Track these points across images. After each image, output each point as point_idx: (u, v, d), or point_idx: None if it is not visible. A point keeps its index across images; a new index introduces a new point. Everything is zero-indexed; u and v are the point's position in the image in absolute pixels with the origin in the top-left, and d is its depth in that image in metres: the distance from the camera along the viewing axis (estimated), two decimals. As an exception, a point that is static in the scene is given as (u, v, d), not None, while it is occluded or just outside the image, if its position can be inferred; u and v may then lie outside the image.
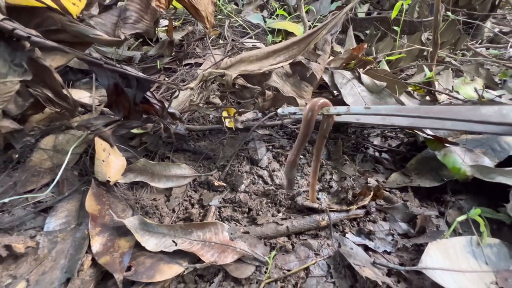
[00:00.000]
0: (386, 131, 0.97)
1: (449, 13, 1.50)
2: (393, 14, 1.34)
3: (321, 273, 0.56)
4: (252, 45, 1.40)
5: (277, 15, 1.80)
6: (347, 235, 0.63)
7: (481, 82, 1.22)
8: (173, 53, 1.30)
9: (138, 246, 0.55)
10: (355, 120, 0.40)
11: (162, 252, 0.54)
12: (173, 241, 0.56)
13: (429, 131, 0.79)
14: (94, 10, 0.87)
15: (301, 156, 0.85)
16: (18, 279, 0.50)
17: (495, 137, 0.75)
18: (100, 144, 0.68)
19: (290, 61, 0.72)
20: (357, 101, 0.85)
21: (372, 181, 0.75)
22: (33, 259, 0.53)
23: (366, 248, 0.61)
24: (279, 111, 0.49)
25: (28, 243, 0.55)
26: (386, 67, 1.21)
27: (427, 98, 1.09)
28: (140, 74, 0.66)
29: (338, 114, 0.41)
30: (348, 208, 0.66)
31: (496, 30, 1.92)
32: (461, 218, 0.60)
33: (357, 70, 0.93)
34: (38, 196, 0.65)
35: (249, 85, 0.72)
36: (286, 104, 0.75)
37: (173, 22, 1.42)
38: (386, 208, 0.68)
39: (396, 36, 1.39)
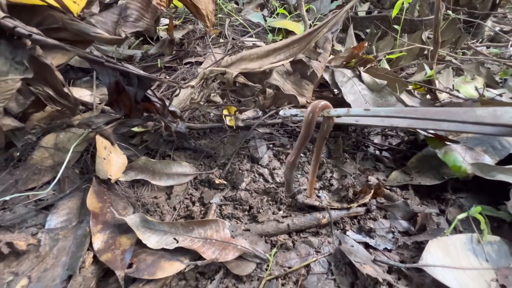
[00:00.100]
0: (386, 130, 0.97)
1: (449, 12, 1.50)
2: (394, 12, 1.34)
3: (322, 270, 0.56)
4: (253, 44, 1.40)
5: (277, 14, 1.80)
6: (347, 233, 0.63)
7: (482, 81, 1.22)
8: (174, 52, 1.30)
9: (139, 244, 0.55)
10: (355, 121, 0.40)
11: (163, 249, 0.55)
12: (174, 239, 0.56)
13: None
14: (95, 9, 0.87)
15: (302, 155, 0.85)
16: (19, 276, 0.50)
17: (495, 135, 0.75)
18: (101, 142, 0.68)
19: (291, 59, 0.72)
20: (357, 100, 0.85)
21: (372, 179, 0.75)
22: (34, 257, 0.54)
23: (366, 246, 0.61)
24: (281, 113, 0.50)
25: (29, 240, 0.55)
26: (387, 66, 1.21)
27: (428, 96, 1.09)
28: (141, 72, 0.67)
29: (338, 116, 0.41)
30: (349, 206, 0.66)
31: (497, 29, 1.92)
32: (462, 216, 0.61)
33: (358, 69, 0.93)
34: (40, 194, 0.65)
35: (249, 83, 0.72)
36: (287, 102, 0.75)
37: (174, 21, 1.42)
38: (386, 206, 0.68)
39: (397, 35, 1.39)
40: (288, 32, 1.54)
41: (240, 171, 0.78)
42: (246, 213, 0.67)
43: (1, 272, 0.51)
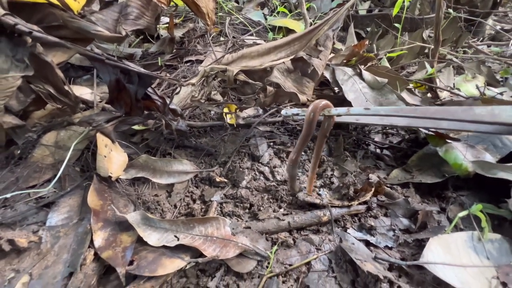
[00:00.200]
0: (387, 128, 0.97)
1: (450, 10, 1.50)
2: (394, 11, 1.33)
3: (323, 267, 0.56)
4: (253, 42, 1.40)
5: (278, 13, 1.80)
6: (348, 231, 0.63)
7: (483, 80, 1.22)
8: (174, 50, 1.30)
9: (140, 241, 0.55)
10: (355, 120, 0.41)
11: (164, 246, 0.55)
12: (175, 236, 0.56)
13: (430, 128, 0.79)
14: (95, 6, 0.87)
15: (302, 153, 0.85)
16: (21, 273, 0.50)
17: (496, 133, 0.75)
18: (102, 140, 0.68)
19: (292, 57, 0.72)
20: (358, 98, 0.85)
21: (373, 177, 0.75)
22: (36, 254, 0.54)
23: (367, 243, 0.61)
24: (283, 112, 0.50)
25: (30, 237, 0.55)
26: (387, 64, 1.21)
27: (428, 95, 1.09)
28: (142, 69, 0.66)
29: (338, 115, 0.42)
30: (350, 204, 0.66)
31: (498, 27, 1.91)
32: (463, 213, 0.61)
33: (359, 67, 0.93)
34: (40, 191, 0.65)
35: (250, 81, 0.72)
36: (288, 100, 0.75)
37: (174, 19, 1.42)
38: (387, 203, 0.68)
39: (397, 34, 1.38)
40: (288, 31, 1.54)
41: (241, 169, 0.78)
42: (247, 211, 0.67)
43: (2, 269, 0.51)
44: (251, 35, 1.52)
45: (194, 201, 0.70)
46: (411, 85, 1.07)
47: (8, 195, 0.61)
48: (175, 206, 0.68)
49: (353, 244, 0.60)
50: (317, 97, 1.06)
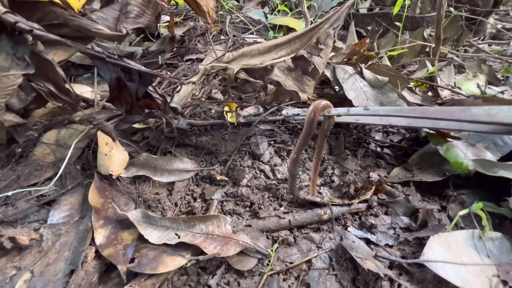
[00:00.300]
0: (387, 127, 0.97)
1: (451, 9, 1.49)
2: (395, 9, 1.33)
3: (323, 265, 0.56)
4: (254, 41, 1.40)
5: (278, 11, 1.79)
6: (349, 229, 0.63)
7: (484, 78, 1.22)
8: (175, 48, 1.30)
9: (141, 239, 0.56)
10: (355, 120, 0.41)
11: (165, 244, 0.55)
12: (176, 234, 0.56)
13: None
14: (96, 5, 0.87)
15: (303, 152, 0.85)
16: (22, 270, 0.51)
17: (497, 132, 0.74)
18: (102, 138, 0.68)
19: (292, 55, 0.72)
20: (358, 96, 0.85)
21: (374, 176, 0.75)
22: (37, 251, 0.54)
23: (368, 242, 0.61)
24: (284, 112, 0.51)
25: (32, 235, 0.55)
26: (388, 63, 1.21)
27: (429, 94, 1.08)
28: (142, 68, 0.66)
29: (338, 115, 0.42)
30: (350, 202, 0.66)
31: (499, 26, 1.91)
32: (463, 212, 0.61)
33: (359, 65, 0.93)
34: (41, 189, 0.65)
35: (251, 79, 0.71)
36: (288, 98, 0.75)
37: (175, 18, 1.42)
38: (388, 202, 0.68)
39: (398, 32, 1.38)
40: (289, 30, 1.54)
41: (241, 167, 0.78)
42: (248, 209, 0.67)
43: (3, 267, 0.51)
44: (252, 33, 1.52)
45: (194, 199, 0.70)
46: (411, 84, 1.06)
47: (10, 193, 0.61)
48: (176, 205, 0.68)
49: (354, 242, 0.60)
50: (317, 95, 1.05)
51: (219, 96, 1.00)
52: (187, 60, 1.24)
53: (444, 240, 0.56)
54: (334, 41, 0.89)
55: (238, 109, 0.87)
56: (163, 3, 0.86)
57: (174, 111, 0.79)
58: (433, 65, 1.07)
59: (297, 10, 1.77)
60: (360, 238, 0.61)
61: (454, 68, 1.27)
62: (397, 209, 0.67)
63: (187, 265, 0.53)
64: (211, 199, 0.69)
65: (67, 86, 0.71)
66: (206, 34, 1.39)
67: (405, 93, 0.98)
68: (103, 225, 0.57)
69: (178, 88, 0.80)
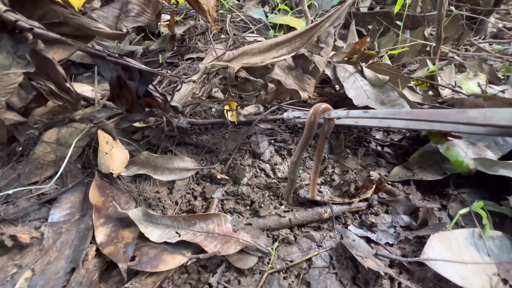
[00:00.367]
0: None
1: (452, 8, 1.49)
2: (396, 8, 1.33)
3: (324, 264, 0.56)
4: (254, 40, 1.40)
5: (278, 10, 1.79)
6: (349, 227, 0.63)
7: (484, 78, 1.22)
8: (175, 47, 1.30)
9: (141, 237, 0.56)
10: (354, 123, 0.42)
11: (165, 242, 0.55)
12: (177, 232, 0.56)
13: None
14: (96, 3, 0.86)
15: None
16: (23, 268, 0.51)
17: (498, 131, 0.74)
18: (103, 137, 0.68)
19: (293, 53, 0.72)
20: (359, 95, 0.85)
21: (374, 174, 0.75)
22: (38, 249, 0.54)
23: (368, 240, 0.61)
24: (285, 115, 0.52)
25: (33, 233, 0.55)
26: (389, 62, 1.21)
27: (430, 93, 1.08)
28: (143, 66, 0.66)
29: (338, 118, 0.43)
30: (350, 201, 0.66)
31: (500, 25, 1.90)
32: (464, 210, 0.61)
33: (360, 64, 0.93)
34: (42, 188, 0.65)
35: (251, 78, 0.71)
36: (289, 97, 0.75)
37: (175, 17, 1.42)
38: (388, 201, 0.68)
39: (399, 31, 1.38)
40: (289, 29, 1.54)
41: (242, 166, 0.78)
42: (248, 207, 0.67)
43: (5, 265, 0.51)
44: (252, 32, 1.51)
45: (195, 198, 0.70)
46: (412, 83, 1.06)
47: (10, 192, 0.61)
48: (176, 203, 0.68)
49: (354, 241, 0.60)
50: (318, 94, 1.05)
51: (219, 95, 1.00)
52: (187, 59, 1.24)
53: (445, 239, 0.56)
54: (335, 40, 0.89)
55: (239, 107, 0.87)
56: (164, 1, 0.86)
57: (175, 110, 0.79)
58: (434, 64, 1.06)
59: (297, 9, 1.77)
60: (361, 237, 0.61)
61: (454, 67, 1.26)
62: (397, 208, 0.67)
63: (188, 264, 0.54)
64: (211, 197, 0.69)
65: (67, 84, 0.71)
66: (207, 33, 1.39)
67: (406, 92, 0.98)
68: (103, 224, 0.57)
69: (178, 87, 0.80)
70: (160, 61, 1.18)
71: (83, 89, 0.93)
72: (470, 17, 1.68)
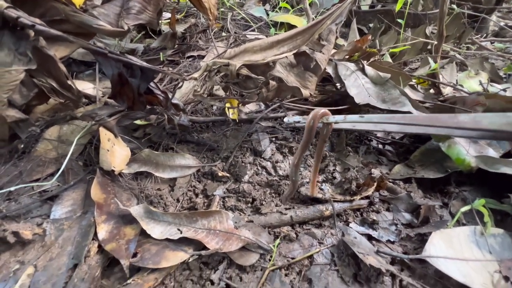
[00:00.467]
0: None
1: (454, 6, 1.48)
2: (397, 6, 1.32)
3: (325, 261, 0.56)
4: (255, 38, 1.40)
5: (280, 8, 1.79)
6: (350, 225, 0.63)
7: (486, 76, 1.21)
8: (176, 45, 1.30)
9: (143, 234, 0.56)
10: (352, 127, 0.44)
11: (167, 239, 0.55)
12: (178, 229, 0.56)
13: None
14: (97, 0, 0.86)
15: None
16: (25, 264, 0.51)
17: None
18: (104, 134, 0.68)
19: (294, 51, 0.71)
20: (361, 93, 0.85)
21: (375, 172, 0.75)
22: (40, 246, 0.54)
23: (369, 238, 0.61)
24: (285, 120, 0.55)
25: (35, 230, 0.56)
26: (390, 60, 1.21)
27: (431, 91, 1.08)
28: (144, 63, 0.66)
29: (336, 122, 0.45)
30: (352, 199, 0.66)
31: (502, 24, 1.89)
32: (465, 208, 0.61)
33: (361, 62, 0.92)
34: (44, 185, 0.65)
35: (253, 75, 0.71)
36: (290, 95, 0.75)
37: (176, 15, 1.42)
38: (389, 198, 0.68)
39: (400, 29, 1.37)
40: (290, 27, 1.53)
41: (243, 164, 0.78)
42: (249, 205, 0.68)
43: (7, 261, 0.52)
44: (253, 31, 1.51)
45: (196, 195, 0.70)
46: (413, 81, 1.06)
47: (12, 188, 0.61)
48: (178, 200, 0.68)
49: (355, 238, 0.60)
50: (319, 92, 1.05)
51: (220, 93, 1.00)
52: (188, 57, 1.23)
53: (446, 236, 0.56)
54: (337, 37, 0.88)
55: (240, 105, 0.87)
56: (165, -1, 0.86)
57: (176, 107, 0.79)
58: (435, 61, 1.06)
59: (298, 7, 1.76)
60: (362, 234, 0.61)
61: (456, 66, 1.26)
62: (398, 206, 0.67)
63: (190, 260, 0.54)
64: (213, 195, 0.69)
65: (69, 82, 0.71)
66: (208, 31, 1.39)
67: (407, 90, 0.97)
68: (105, 220, 0.58)
69: (179, 84, 0.80)
70: (161, 59, 1.17)
71: (84, 86, 0.93)
72: (471, 15, 1.67)
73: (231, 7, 1.65)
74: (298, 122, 0.54)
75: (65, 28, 0.74)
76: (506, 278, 0.50)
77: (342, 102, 0.92)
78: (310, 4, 1.68)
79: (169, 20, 1.29)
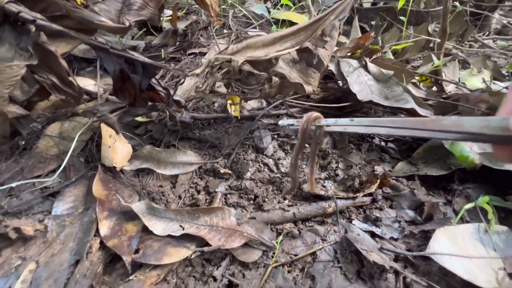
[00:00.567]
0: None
1: (456, 3, 1.48)
2: (400, 4, 1.32)
3: (328, 258, 0.56)
4: (257, 35, 1.39)
5: (281, 5, 1.78)
6: (353, 222, 0.63)
7: (488, 74, 1.21)
8: (177, 42, 1.29)
9: (145, 230, 0.55)
10: (343, 130, 0.45)
11: (169, 236, 0.55)
12: (180, 226, 0.56)
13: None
14: (99, -4, 0.86)
15: (306, 145, 0.84)
16: (27, 260, 0.51)
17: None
18: (106, 130, 0.68)
19: (297, 47, 0.71)
20: (363, 90, 0.85)
21: (378, 169, 0.74)
22: (42, 242, 0.54)
23: (372, 235, 0.61)
24: (280, 122, 0.57)
25: (36, 226, 0.55)
26: (392, 58, 1.20)
27: (434, 88, 1.08)
28: (146, 59, 0.66)
29: (327, 125, 0.47)
30: (355, 196, 0.66)
31: (504, 21, 1.88)
32: (469, 205, 0.60)
33: (364, 59, 0.92)
34: (45, 181, 0.65)
35: (255, 71, 0.71)
36: (293, 91, 0.75)
37: (177, 12, 1.41)
38: (392, 195, 0.68)
39: (402, 27, 1.37)
40: (292, 24, 1.53)
41: (245, 161, 0.77)
42: (252, 202, 0.67)
43: (9, 257, 0.51)
44: (254, 28, 1.50)
45: (198, 192, 0.70)
46: (416, 78, 1.05)
47: (13, 185, 0.61)
48: (180, 197, 0.68)
49: (359, 235, 0.60)
50: (321, 90, 1.05)
51: (222, 89, 1.00)
52: (189, 54, 1.23)
53: (450, 233, 0.56)
54: (340, 32, 0.88)
55: (242, 102, 0.87)
56: (166, -5, 0.85)
57: (178, 104, 0.78)
58: (438, 58, 1.05)
59: (300, 4, 1.75)
60: (365, 231, 0.61)
61: (458, 64, 1.25)
62: (402, 203, 0.67)
63: (192, 257, 0.53)
64: (215, 192, 0.69)
65: (70, 78, 0.71)
66: (209, 28, 1.38)
67: (410, 88, 0.97)
68: (107, 217, 0.57)
69: (181, 81, 0.80)
70: (163, 56, 1.17)
71: (85, 83, 0.92)
72: (474, 13, 1.67)
73: (232, 4, 1.64)
74: (292, 125, 0.55)
75: (66, 24, 0.73)
76: (511, 276, 0.50)
77: (345, 99, 0.91)
78: (312, 1, 1.68)
79: (170, 17, 1.29)
